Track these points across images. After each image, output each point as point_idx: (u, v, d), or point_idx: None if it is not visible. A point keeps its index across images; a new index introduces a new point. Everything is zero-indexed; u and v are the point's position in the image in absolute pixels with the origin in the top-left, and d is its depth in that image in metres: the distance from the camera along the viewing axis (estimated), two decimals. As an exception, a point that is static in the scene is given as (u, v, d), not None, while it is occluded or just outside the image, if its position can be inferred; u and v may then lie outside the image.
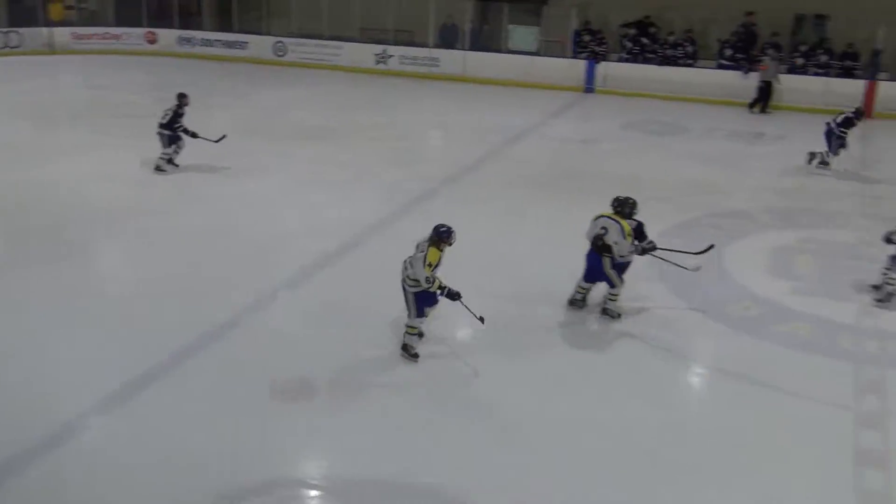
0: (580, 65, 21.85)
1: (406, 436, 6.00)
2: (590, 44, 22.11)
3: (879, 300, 8.58)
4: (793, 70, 19.90)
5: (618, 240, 7.54)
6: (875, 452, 6.00)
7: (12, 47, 23.87)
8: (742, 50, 20.71)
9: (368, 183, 12.38)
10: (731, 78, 20.43)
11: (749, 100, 19.55)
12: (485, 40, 23.96)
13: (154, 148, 12.32)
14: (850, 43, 19.93)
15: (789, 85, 19.44)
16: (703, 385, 7.32)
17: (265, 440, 5.89)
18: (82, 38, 25.10)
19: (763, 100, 19.40)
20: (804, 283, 9.05)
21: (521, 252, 9.52)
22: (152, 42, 25.75)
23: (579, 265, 7.89)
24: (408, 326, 6.91)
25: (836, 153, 13.37)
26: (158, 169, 12.34)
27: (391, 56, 23.65)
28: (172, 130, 12.20)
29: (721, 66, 20.96)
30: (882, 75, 19.61)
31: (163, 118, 12.23)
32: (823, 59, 20.20)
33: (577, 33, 22.31)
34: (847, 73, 19.90)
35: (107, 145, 14.08)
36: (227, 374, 6.76)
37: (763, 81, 19.33)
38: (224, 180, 12.30)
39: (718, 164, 14.42)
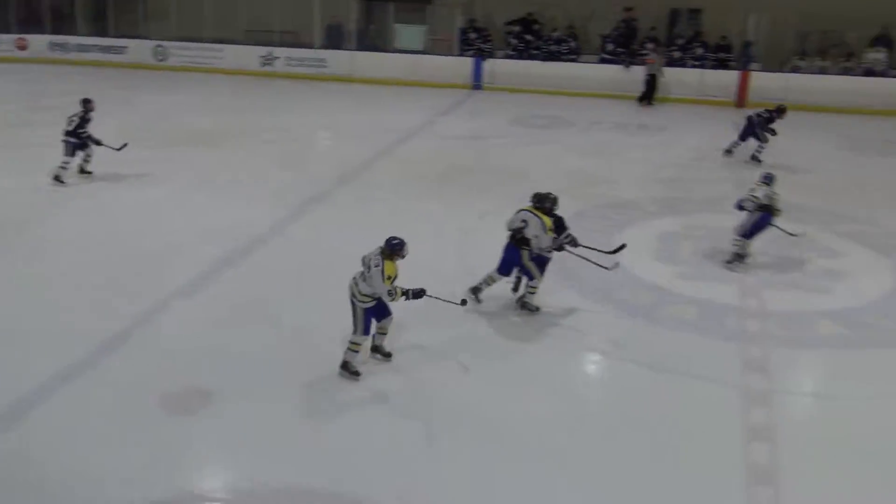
0: (467, 62, 22.08)
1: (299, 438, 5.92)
2: (476, 41, 22.38)
3: (728, 262, 9.27)
4: (671, 63, 20.61)
5: (538, 233, 7.64)
6: (761, 427, 6.27)
7: None
8: (623, 44, 21.38)
9: (259, 186, 12.14)
10: (613, 72, 21.06)
11: (637, 93, 20.16)
12: (372, 40, 23.89)
13: (34, 159, 11.69)
14: (724, 35, 20.81)
15: (668, 77, 20.15)
16: (600, 372, 7.47)
17: (167, 453, 5.68)
18: (-55, 46, 23.80)
19: (649, 92, 20.05)
20: (690, 268, 9.38)
21: (415, 249, 9.50)
22: (23, 49, 24.60)
23: (475, 259, 7.93)
24: (351, 343, 6.66)
25: (766, 141, 13.96)
26: (57, 179, 11.71)
27: (277, 58, 23.33)
28: (78, 137, 11.69)
29: (603, 61, 21.59)
30: (753, 66, 20.55)
31: (68, 125, 11.67)
32: (699, 51, 21.01)
33: (463, 31, 22.54)
34: (721, 65, 20.76)
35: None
36: (121, 388, 6.48)
37: (649, 75, 19.98)
38: (111, 188, 11.80)
39: (603, 156, 14.82)
